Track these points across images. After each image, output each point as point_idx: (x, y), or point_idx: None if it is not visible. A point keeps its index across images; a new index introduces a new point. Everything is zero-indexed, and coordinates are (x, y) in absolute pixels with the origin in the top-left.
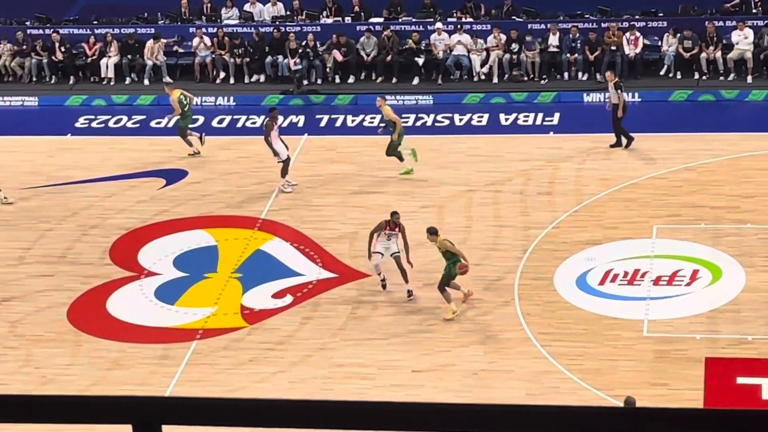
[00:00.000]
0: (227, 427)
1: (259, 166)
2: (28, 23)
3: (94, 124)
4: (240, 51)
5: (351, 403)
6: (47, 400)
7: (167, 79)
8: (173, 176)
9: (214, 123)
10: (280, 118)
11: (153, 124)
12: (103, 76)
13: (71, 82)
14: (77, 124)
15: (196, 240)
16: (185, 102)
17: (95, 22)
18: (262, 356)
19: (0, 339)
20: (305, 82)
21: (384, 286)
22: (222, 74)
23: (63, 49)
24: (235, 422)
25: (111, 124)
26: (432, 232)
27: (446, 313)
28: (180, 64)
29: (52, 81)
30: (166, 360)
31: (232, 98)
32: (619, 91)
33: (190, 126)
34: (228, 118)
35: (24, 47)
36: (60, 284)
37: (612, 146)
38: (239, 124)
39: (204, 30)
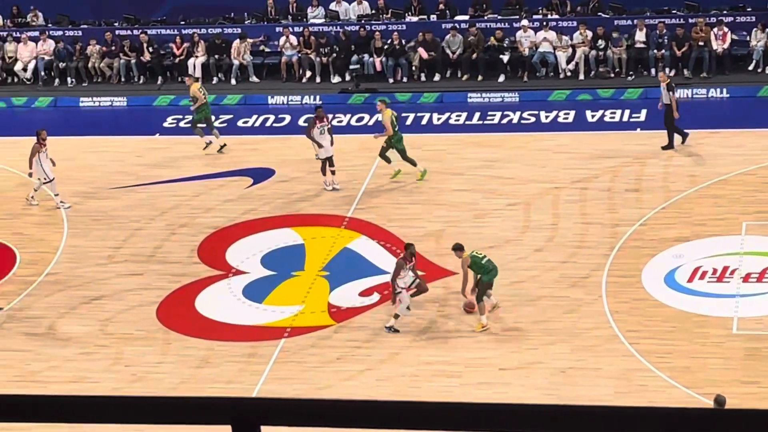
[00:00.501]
0: (326, 428)
1: (345, 164)
2: (116, 24)
3: (182, 124)
4: (326, 50)
5: (460, 404)
6: (145, 401)
7: (194, 73)
8: (260, 175)
9: (301, 122)
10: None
11: (240, 123)
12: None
13: (159, 82)
14: (165, 124)
15: (284, 238)
16: (203, 95)
17: (182, 23)
18: (350, 354)
19: (90, 337)
20: (392, 80)
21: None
22: (308, 73)
23: (151, 49)
24: (335, 423)
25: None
26: (457, 248)
27: (476, 326)
28: (266, 64)
29: (141, 81)
30: (254, 358)
31: (318, 97)
32: (671, 92)
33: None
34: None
35: (112, 48)
36: (149, 283)
37: (664, 148)
38: None
39: (290, 29)
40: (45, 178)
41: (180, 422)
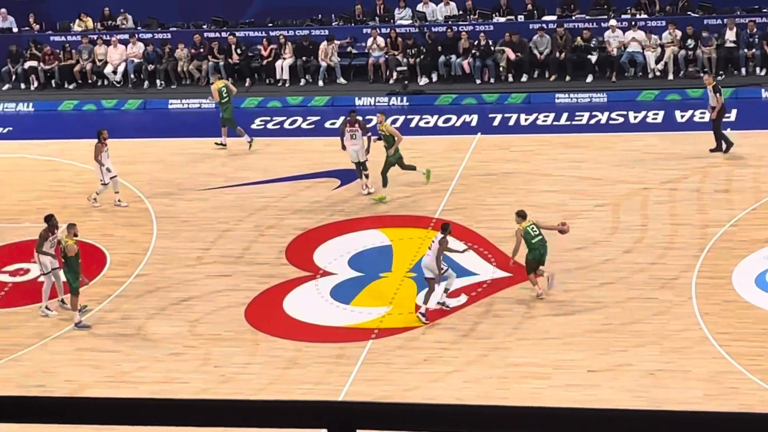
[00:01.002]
0: None
1: (432, 165)
2: (204, 26)
3: (269, 126)
4: (413, 51)
5: (561, 409)
6: (241, 404)
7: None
8: (348, 176)
9: (387, 122)
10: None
11: (327, 124)
12: (278, 77)
13: (247, 84)
14: (253, 126)
15: (371, 240)
16: (225, 94)
17: (270, 25)
18: (437, 355)
19: (180, 338)
20: (479, 81)
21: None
22: (395, 74)
23: (239, 51)
24: (433, 428)
25: (286, 125)
26: (519, 215)
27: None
28: (353, 65)
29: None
30: (341, 359)
31: (405, 98)
32: (717, 94)
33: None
34: (401, 118)
35: (201, 50)
36: (238, 284)
37: (712, 150)
38: (412, 124)
39: (377, 30)
40: (101, 180)
41: (275, 425)
